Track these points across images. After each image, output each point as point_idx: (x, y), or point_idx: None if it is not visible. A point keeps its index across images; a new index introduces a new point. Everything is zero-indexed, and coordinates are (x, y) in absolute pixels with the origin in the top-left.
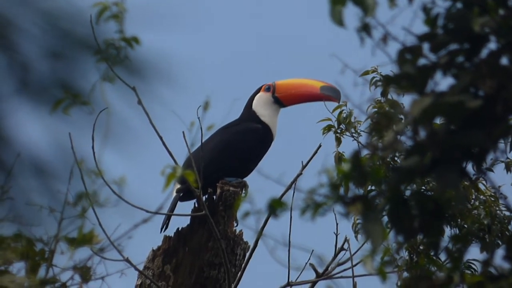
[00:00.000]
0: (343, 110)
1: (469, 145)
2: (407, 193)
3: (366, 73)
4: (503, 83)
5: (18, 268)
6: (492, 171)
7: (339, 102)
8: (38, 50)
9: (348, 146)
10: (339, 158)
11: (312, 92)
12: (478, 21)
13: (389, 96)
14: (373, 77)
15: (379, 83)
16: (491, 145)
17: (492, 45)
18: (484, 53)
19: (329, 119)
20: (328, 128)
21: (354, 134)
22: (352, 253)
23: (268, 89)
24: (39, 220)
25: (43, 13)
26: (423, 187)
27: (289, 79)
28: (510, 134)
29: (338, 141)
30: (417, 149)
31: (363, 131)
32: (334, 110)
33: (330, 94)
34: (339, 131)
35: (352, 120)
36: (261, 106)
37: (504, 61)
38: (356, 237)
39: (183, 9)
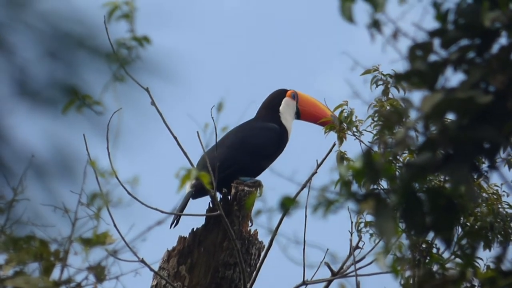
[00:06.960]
0: (344, 109)
1: (481, 140)
2: (420, 189)
3: (368, 72)
4: None
5: (33, 268)
6: None
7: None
8: (36, 51)
9: (350, 145)
10: (341, 157)
11: (325, 118)
12: (488, 16)
13: (390, 95)
14: (374, 76)
15: (380, 82)
16: (503, 140)
17: (503, 40)
18: (495, 48)
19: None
20: (329, 127)
21: (356, 133)
22: (362, 251)
23: (293, 97)
24: (51, 221)
25: (41, 14)
26: (436, 183)
27: (308, 95)
28: None
29: (340, 140)
30: (428, 145)
31: (365, 129)
32: (335, 109)
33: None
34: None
35: (353, 119)
36: (288, 111)
37: None
38: (358, 235)
39: (191, 8)
